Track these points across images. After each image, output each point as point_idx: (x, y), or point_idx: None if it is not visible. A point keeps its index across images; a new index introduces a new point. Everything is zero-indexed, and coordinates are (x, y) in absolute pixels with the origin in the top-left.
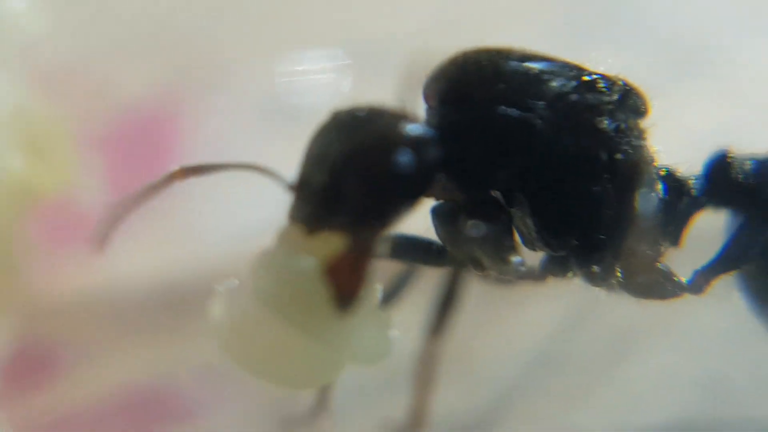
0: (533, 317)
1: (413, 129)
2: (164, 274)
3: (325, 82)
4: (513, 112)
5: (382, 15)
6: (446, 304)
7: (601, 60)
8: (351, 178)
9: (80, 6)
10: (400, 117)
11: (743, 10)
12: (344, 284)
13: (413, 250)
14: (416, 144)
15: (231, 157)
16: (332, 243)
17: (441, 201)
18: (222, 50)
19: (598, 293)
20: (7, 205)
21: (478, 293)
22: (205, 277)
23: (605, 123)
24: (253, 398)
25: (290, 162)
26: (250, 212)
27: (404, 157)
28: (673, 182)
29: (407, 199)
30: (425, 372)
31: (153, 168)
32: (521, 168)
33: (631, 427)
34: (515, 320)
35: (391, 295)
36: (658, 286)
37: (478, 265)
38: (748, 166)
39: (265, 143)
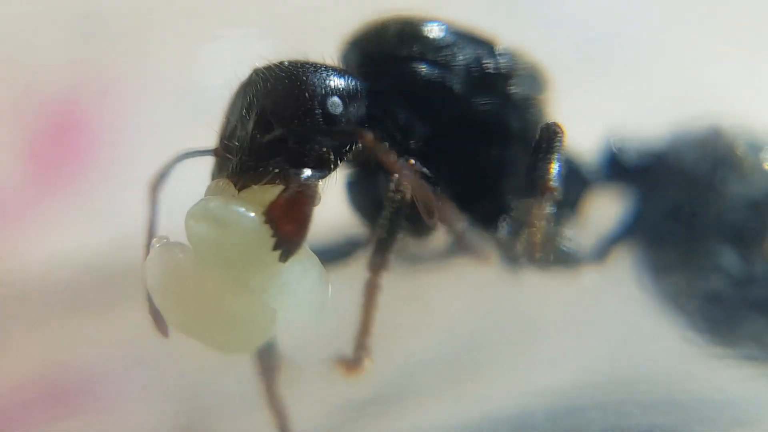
0: (448, 297)
1: (344, 77)
2: (89, 256)
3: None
4: (432, 73)
5: None
6: (385, 241)
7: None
8: (287, 118)
9: None
10: (328, 66)
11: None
12: (286, 226)
13: (333, 254)
14: (347, 93)
15: (149, 144)
16: (267, 191)
17: (355, 171)
18: (142, 37)
19: (507, 274)
20: None
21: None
22: (131, 259)
23: (516, 90)
24: (173, 382)
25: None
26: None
27: (338, 100)
28: (570, 160)
29: (341, 142)
30: (368, 302)
31: (72, 154)
32: (437, 127)
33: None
34: (432, 299)
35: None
36: (562, 256)
37: (398, 230)
38: (638, 148)
39: (185, 128)
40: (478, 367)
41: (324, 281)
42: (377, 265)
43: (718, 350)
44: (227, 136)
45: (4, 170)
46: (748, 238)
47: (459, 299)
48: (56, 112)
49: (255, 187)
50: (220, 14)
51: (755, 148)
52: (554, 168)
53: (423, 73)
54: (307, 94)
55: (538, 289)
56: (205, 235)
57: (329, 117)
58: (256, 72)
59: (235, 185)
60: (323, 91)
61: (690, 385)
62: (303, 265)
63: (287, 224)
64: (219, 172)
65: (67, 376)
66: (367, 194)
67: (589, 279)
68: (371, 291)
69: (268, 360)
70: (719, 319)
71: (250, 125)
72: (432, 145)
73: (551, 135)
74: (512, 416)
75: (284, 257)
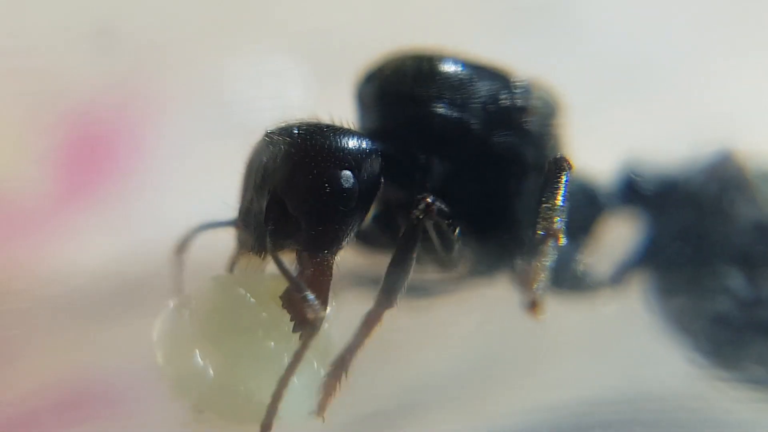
0: (459, 313)
1: (355, 143)
2: (109, 265)
3: (275, 85)
4: (449, 111)
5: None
6: (396, 277)
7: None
8: (298, 201)
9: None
10: (339, 131)
11: (683, 30)
12: (305, 309)
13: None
14: (360, 160)
15: (179, 159)
16: (285, 270)
17: (379, 207)
18: (173, 53)
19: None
20: None
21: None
22: (150, 268)
23: (533, 122)
24: None
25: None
26: (197, 204)
27: (350, 174)
28: (586, 186)
29: (357, 213)
30: (362, 333)
31: (96, 164)
32: (455, 164)
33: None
34: (443, 314)
35: None
36: (579, 281)
37: (411, 267)
38: (653, 172)
39: (214, 146)
40: (486, 384)
41: (315, 385)
42: (384, 301)
43: (723, 373)
44: (244, 210)
45: (28, 179)
46: (755, 261)
47: (470, 316)
48: (81, 122)
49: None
50: (246, 28)
51: (764, 172)
52: (558, 210)
53: (440, 113)
54: (317, 173)
55: (549, 308)
56: (213, 315)
57: (342, 193)
58: (267, 139)
59: (253, 263)
60: (334, 169)
61: (696, 405)
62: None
63: (305, 306)
64: (241, 244)
65: (85, 382)
66: (379, 231)
67: (604, 304)
68: (370, 323)
69: None
70: (725, 342)
71: (264, 203)
72: (450, 181)
73: (558, 170)
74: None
75: (306, 339)
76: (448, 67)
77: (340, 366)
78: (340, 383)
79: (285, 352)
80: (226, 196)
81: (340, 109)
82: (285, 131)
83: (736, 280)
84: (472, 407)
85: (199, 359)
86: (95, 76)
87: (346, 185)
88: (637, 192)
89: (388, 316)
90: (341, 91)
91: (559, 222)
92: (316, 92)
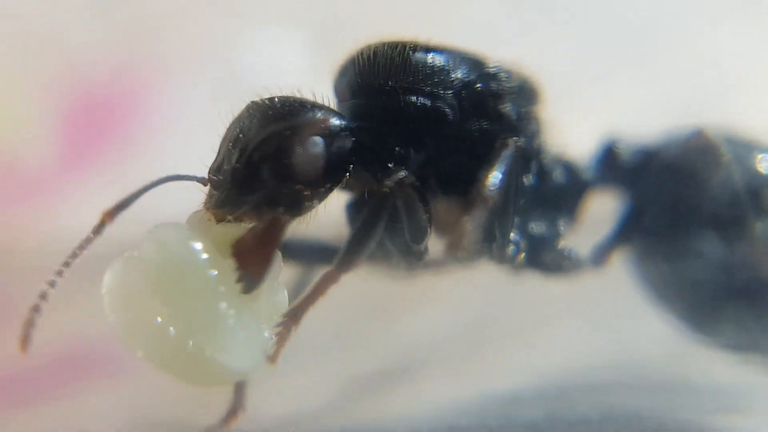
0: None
1: (328, 116)
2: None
3: (281, 59)
4: (423, 100)
5: None
6: (358, 240)
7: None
8: (267, 158)
9: None
10: (315, 104)
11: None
12: (249, 261)
13: (313, 252)
14: (329, 133)
15: (186, 130)
16: (240, 228)
17: (354, 195)
18: (182, 25)
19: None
20: None
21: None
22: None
23: (509, 109)
24: None
25: None
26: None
27: (320, 141)
28: (567, 166)
29: (321, 183)
30: (316, 291)
31: (104, 130)
32: (431, 153)
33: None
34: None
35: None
36: (561, 261)
37: (393, 253)
38: (634, 152)
39: (216, 110)
40: (475, 349)
41: (263, 335)
42: (342, 264)
43: (703, 338)
44: (215, 168)
45: (36, 144)
46: (728, 228)
47: (464, 284)
48: (84, 87)
49: (230, 224)
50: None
51: (735, 143)
52: (493, 178)
53: (414, 102)
54: (288, 134)
55: (541, 281)
56: (152, 259)
57: (309, 156)
58: (248, 107)
59: (214, 217)
60: (305, 132)
61: (678, 370)
62: (244, 313)
63: (250, 258)
64: (207, 199)
65: (87, 343)
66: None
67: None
68: (326, 282)
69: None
70: (705, 308)
71: (234, 159)
72: (425, 169)
73: (501, 148)
74: (503, 394)
75: (246, 290)
76: (421, 56)
77: (292, 317)
78: (290, 334)
79: (235, 308)
80: None
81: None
82: (264, 99)
83: (712, 247)
84: (462, 370)
85: (149, 312)
86: (110, 41)
87: (314, 149)
88: (617, 168)
89: (379, 281)
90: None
91: (491, 187)
92: (316, 61)
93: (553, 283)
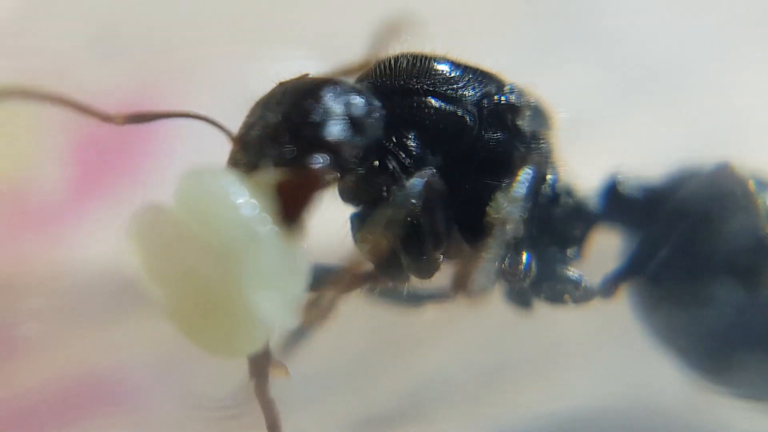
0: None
1: (365, 96)
2: (117, 261)
3: None
4: (445, 103)
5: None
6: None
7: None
8: (306, 118)
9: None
10: (346, 83)
11: (712, 39)
12: (293, 205)
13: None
14: (368, 107)
15: (198, 160)
16: (271, 178)
17: (360, 207)
18: (197, 49)
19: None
20: None
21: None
22: None
23: (525, 125)
24: (192, 384)
25: None
26: None
27: (361, 102)
28: (574, 195)
29: (355, 147)
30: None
31: (122, 164)
32: (447, 160)
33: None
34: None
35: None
36: (569, 290)
37: (397, 269)
38: (639, 188)
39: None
40: (487, 388)
41: (296, 292)
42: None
43: (714, 387)
44: (245, 129)
45: (47, 174)
46: (750, 274)
47: (476, 322)
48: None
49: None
50: (268, 33)
51: (761, 180)
52: (512, 199)
53: (436, 104)
54: (323, 105)
55: (560, 318)
56: (190, 197)
57: (341, 126)
58: (280, 84)
59: (248, 169)
60: (339, 104)
61: (690, 417)
62: (286, 258)
63: (293, 202)
64: (234, 156)
65: (91, 377)
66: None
67: (597, 314)
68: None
69: (260, 360)
70: (716, 355)
71: (266, 126)
72: (441, 175)
73: (522, 164)
74: None
75: (286, 233)
76: (443, 62)
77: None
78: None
79: (272, 258)
80: None
81: None
82: (298, 76)
83: (733, 289)
84: (473, 409)
85: (181, 256)
86: (119, 74)
87: (356, 112)
88: (621, 204)
89: (391, 317)
90: None
91: (509, 209)
92: None
93: (568, 324)
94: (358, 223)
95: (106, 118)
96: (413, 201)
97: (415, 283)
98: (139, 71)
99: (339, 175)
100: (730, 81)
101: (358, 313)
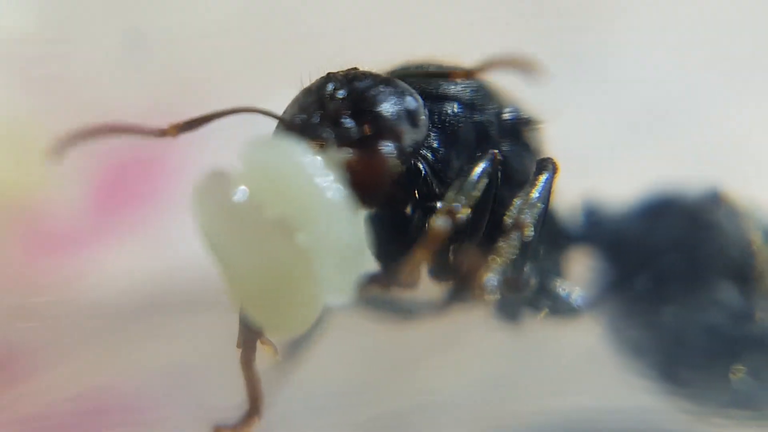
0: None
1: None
2: (138, 283)
3: None
4: (475, 114)
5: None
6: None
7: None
8: (375, 106)
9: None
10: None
11: (717, 77)
12: (361, 183)
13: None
14: (420, 103)
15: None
16: (340, 157)
17: (382, 211)
18: (215, 84)
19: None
20: None
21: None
22: (178, 286)
23: (535, 139)
24: (211, 401)
25: None
26: None
27: (419, 100)
28: (555, 220)
29: (415, 136)
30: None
31: (141, 189)
32: (470, 162)
33: None
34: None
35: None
36: (556, 307)
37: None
38: (616, 213)
39: None
40: (489, 405)
41: (366, 262)
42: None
43: (680, 400)
44: (297, 111)
45: (70, 201)
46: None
47: (479, 340)
48: (121, 146)
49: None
50: (285, 57)
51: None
52: (530, 204)
53: (464, 115)
54: (393, 95)
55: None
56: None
57: (411, 109)
58: (332, 73)
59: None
60: (404, 98)
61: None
62: (354, 234)
63: (363, 180)
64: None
65: (111, 393)
66: (390, 231)
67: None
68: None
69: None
70: (686, 373)
71: (333, 108)
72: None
73: (541, 169)
74: None
75: (360, 206)
76: (473, 83)
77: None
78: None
79: (335, 233)
80: None
81: None
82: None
83: (720, 308)
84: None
85: (242, 233)
86: (140, 99)
87: (413, 106)
88: (596, 228)
89: (398, 331)
90: None
91: (527, 215)
92: None
93: (571, 343)
94: (377, 224)
95: (160, 134)
96: (486, 178)
97: (409, 294)
98: (159, 90)
99: (402, 163)
100: (731, 117)
101: (353, 330)
